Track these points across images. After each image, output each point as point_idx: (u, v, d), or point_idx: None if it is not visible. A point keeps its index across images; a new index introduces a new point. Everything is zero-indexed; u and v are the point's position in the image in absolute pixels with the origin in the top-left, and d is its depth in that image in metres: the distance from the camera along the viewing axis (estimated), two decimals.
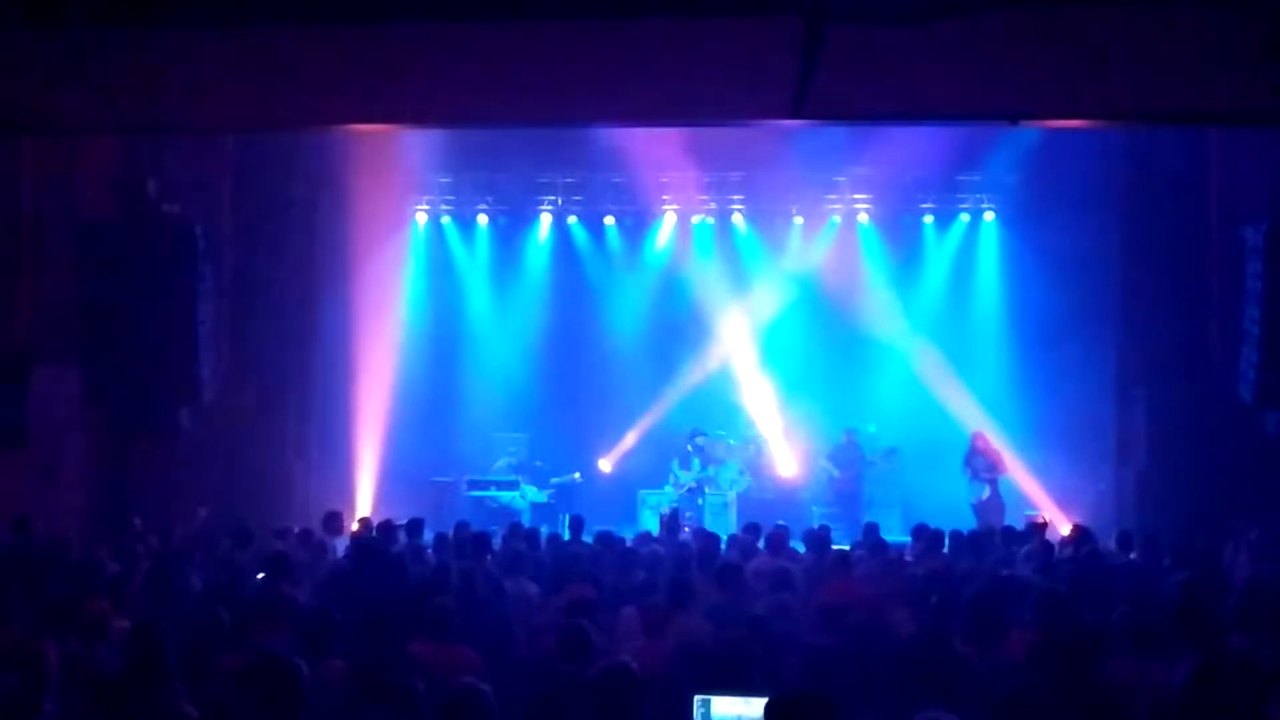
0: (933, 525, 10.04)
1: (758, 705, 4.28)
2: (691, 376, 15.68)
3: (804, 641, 6.01)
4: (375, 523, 10.44)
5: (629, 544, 9.56)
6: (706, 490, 14.82)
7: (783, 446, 15.57)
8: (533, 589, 7.70)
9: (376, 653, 5.54)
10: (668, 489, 14.81)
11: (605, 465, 15.71)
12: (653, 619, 6.27)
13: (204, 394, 11.45)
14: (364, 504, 13.99)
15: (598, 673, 4.65)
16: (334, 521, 10.26)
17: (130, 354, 11.05)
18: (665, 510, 12.83)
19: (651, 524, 13.51)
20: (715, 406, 15.72)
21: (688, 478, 14.80)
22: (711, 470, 14.95)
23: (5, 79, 7.10)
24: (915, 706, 5.07)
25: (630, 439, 15.69)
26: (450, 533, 9.82)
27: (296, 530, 10.12)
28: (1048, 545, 9.42)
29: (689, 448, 14.94)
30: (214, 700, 5.03)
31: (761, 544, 9.41)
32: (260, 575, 8.07)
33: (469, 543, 8.82)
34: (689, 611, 6.59)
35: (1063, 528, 12.72)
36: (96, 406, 11.25)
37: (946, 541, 9.46)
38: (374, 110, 7.40)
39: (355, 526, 10.86)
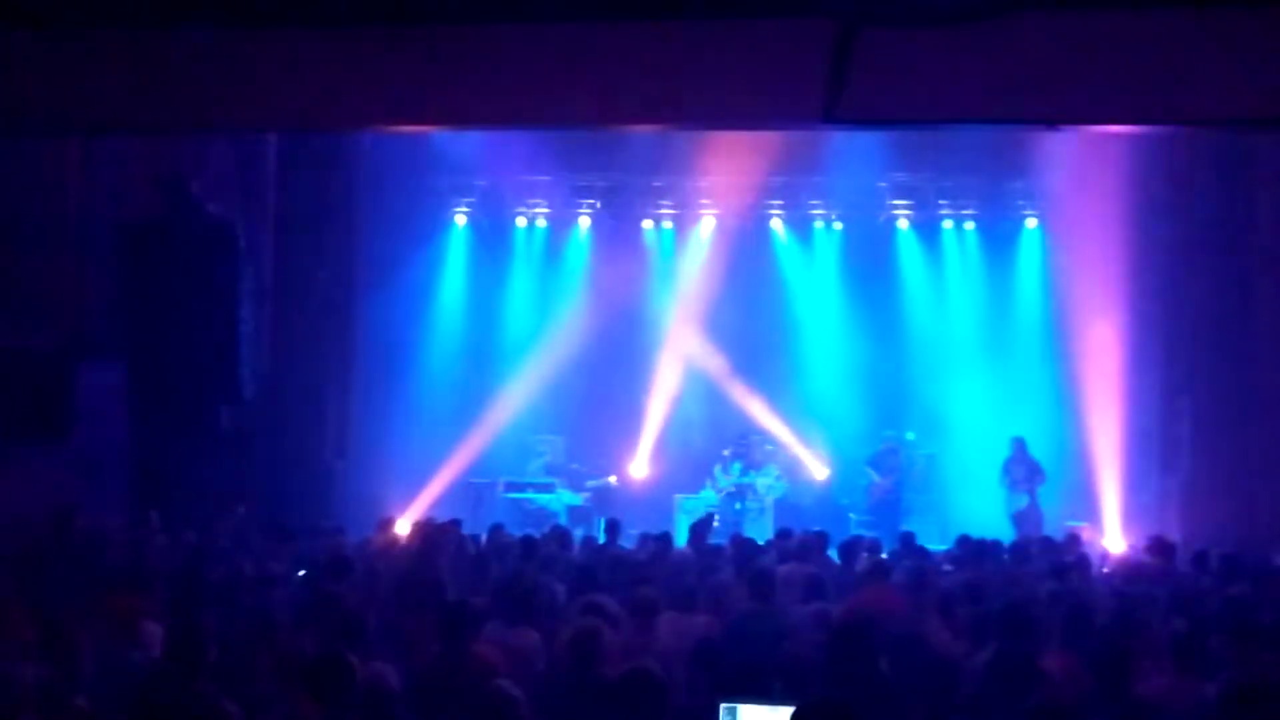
0: (973, 535, 9.93)
1: (785, 714, 4.24)
2: (729, 380, 15.62)
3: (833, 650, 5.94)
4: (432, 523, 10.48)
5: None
6: (747, 496, 14.76)
7: (817, 452, 15.48)
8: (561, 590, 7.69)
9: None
10: (705, 493, 14.75)
11: (635, 471, 15.68)
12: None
13: (245, 392, 11.56)
14: (404, 504, 14.03)
15: (620, 676, 4.63)
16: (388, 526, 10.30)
17: (172, 352, 11.17)
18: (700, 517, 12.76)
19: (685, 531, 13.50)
20: (752, 412, 15.64)
21: (727, 482, 14.73)
22: (752, 475, 14.88)
23: (37, 78, 7.19)
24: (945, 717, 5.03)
25: (648, 444, 15.66)
26: (484, 535, 9.85)
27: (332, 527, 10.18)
28: (1086, 557, 9.28)
29: (747, 449, 14.86)
30: (256, 697, 5.07)
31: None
32: (301, 573, 8.18)
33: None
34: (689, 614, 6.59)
35: (1106, 539, 12.57)
36: (139, 404, 11.38)
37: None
38: (410, 112, 7.42)
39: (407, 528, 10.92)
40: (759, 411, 15.55)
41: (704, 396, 15.62)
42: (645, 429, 15.69)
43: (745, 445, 14.96)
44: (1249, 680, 4.87)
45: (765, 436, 15.50)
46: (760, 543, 9.92)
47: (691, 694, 5.01)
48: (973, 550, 9.35)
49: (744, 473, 14.77)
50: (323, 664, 4.91)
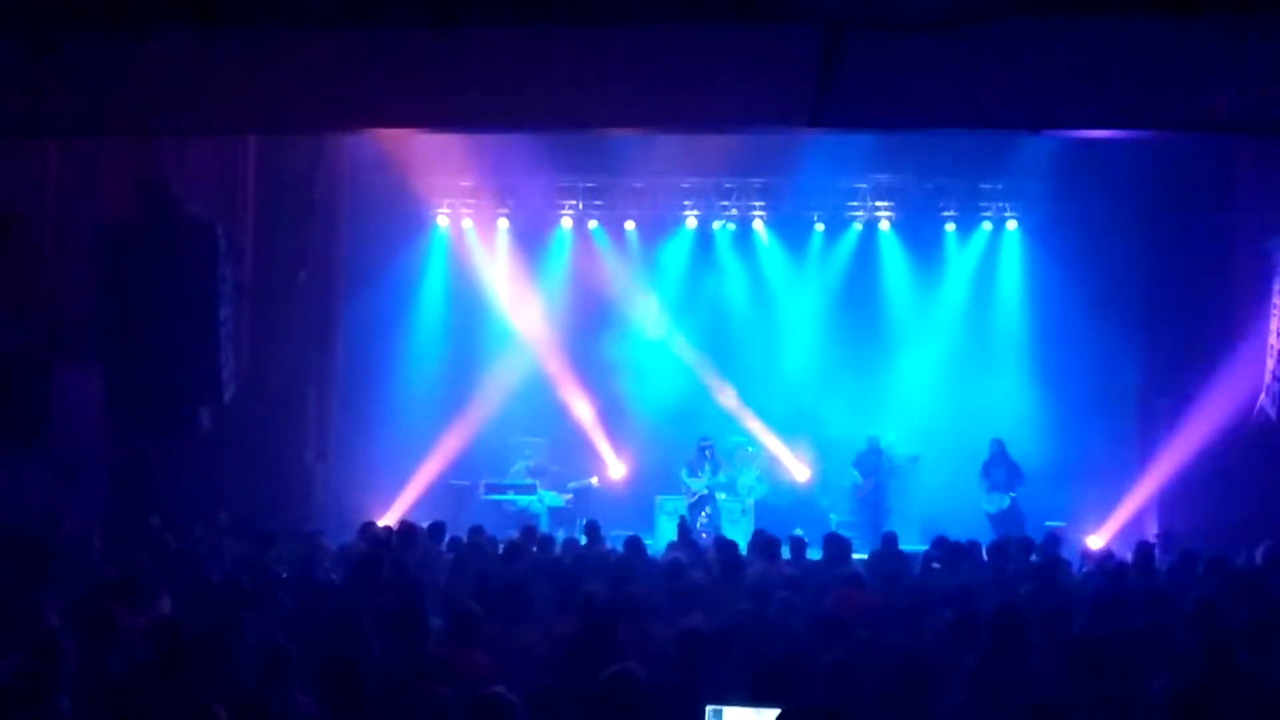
0: (952, 535, 9.95)
1: (770, 716, 4.25)
2: (711, 381, 15.64)
3: (817, 653, 5.95)
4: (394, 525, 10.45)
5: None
6: (720, 496, 14.74)
7: (799, 453, 15.50)
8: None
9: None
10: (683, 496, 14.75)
11: (613, 472, 15.67)
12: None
13: (224, 394, 11.47)
14: (384, 507, 14.00)
15: (604, 679, 4.62)
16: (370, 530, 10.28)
17: (151, 354, 11.07)
18: (681, 517, 12.76)
19: (669, 530, 13.50)
20: (733, 411, 15.65)
21: (698, 485, 14.69)
22: (724, 476, 14.85)
23: (16, 81, 7.14)
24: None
25: (626, 445, 15.64)
26: (464, 537, 9.82)
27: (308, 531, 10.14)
28: (1066, 558, 9.33)
29: (707, 452, 14.84)
30: (240, 699, 5.05)
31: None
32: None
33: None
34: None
35: (1085, 539, 12.64)
36: (117, 406, 11.29)
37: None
38: (394, 113, 7.42)
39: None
40: (741, 412, 15.57)
41: (685, 398, 15.59)
42: (643, 428, 15.63)
43: (710, 445, 14.89)
44: (1197, 681, 4.91)
45: (747, 438, 15.52)
46: (742, 544, 9.89)
47: (678, 696, 5.00)
48: (950, 552, 9.38)
49: (714, 474, 14.72)
50: (334, 668, 4.91)
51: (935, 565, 9.16)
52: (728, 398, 15.54)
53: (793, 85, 6.21)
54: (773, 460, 15.51)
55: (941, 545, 9.56)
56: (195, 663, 5.50)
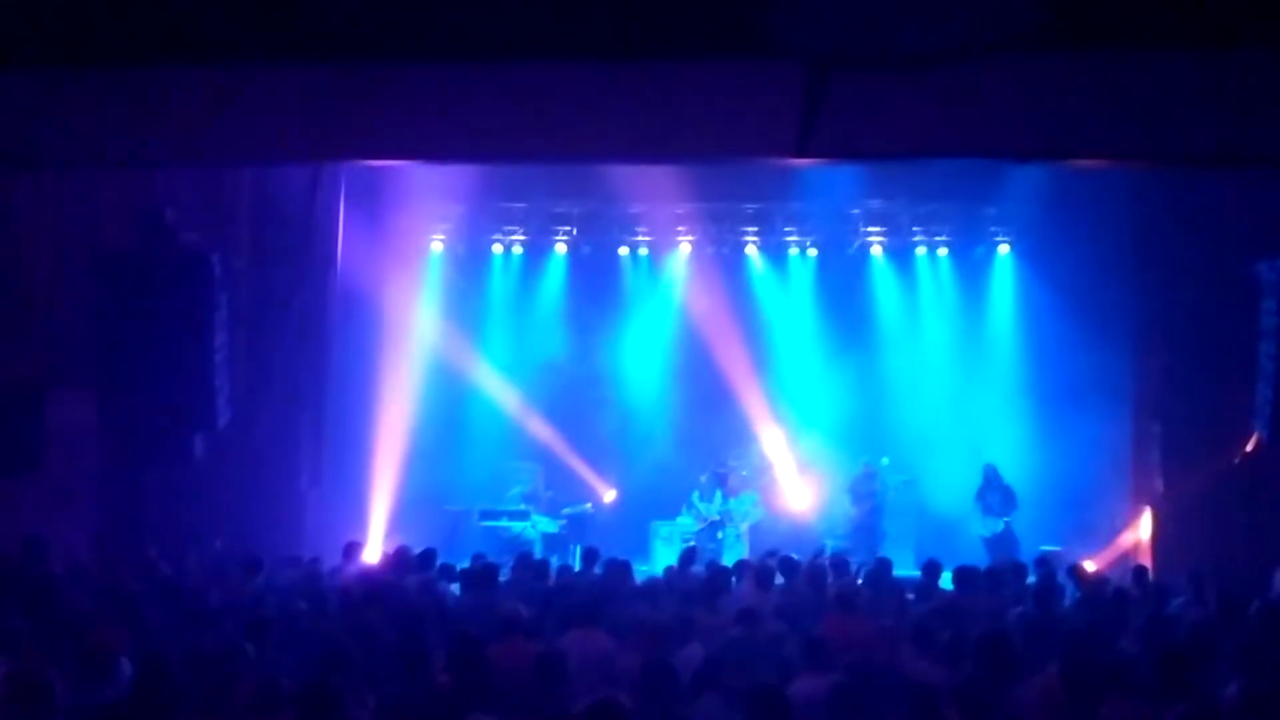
0: (945, 560, 9.93)
1: None
2: (705, 407, 15.65)
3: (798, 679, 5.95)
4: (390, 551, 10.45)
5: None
6: (726, 524, 14.73)
7: (796, 478, 15.49)
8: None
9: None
10: (682, 519, 14.70)
11: (605, 497, 15.67)
12: None
13: (218, 421, 11.45)
14: (378, 533, 13.98)
15: (584, 708, 4.60)
16: (353, 551, 10.28)
17: (145, 381, 11.06)
18: (686, 545, 12.69)
19: (664, 555, 13.49)
20: (729, 438, 15.67)
21: (710, 510, 14.65)
22: (731, 502, 14.85)
23: (14, 113, 7.20)
24: None
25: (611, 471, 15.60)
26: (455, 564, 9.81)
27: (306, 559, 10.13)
28: (1057, 583, 9.31)
29: (725, 475, 14.80)
30: None
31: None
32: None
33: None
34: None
35: (1079, 563, 12.63)
36: (111, 432, 11.27)
37: (953, 576, 9.34)
38: (390, 146, 7.47)
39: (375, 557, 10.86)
40: (737, 437, 15.59)
41: (680, 422, 15.62)
42: (636, 455, 15.62)
43: (724, 470, 14.91)
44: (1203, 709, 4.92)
45: (741, 462, 15.52)
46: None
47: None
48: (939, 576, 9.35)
49: (725, 500, 14.72)
50: (310, 695, 4.91)
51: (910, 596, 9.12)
52: (724, 423, 15.53)
53: (779, 117, 6.28)
54: (770, 485, 15.50)
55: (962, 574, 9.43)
56: (188, 695, 5.49)
